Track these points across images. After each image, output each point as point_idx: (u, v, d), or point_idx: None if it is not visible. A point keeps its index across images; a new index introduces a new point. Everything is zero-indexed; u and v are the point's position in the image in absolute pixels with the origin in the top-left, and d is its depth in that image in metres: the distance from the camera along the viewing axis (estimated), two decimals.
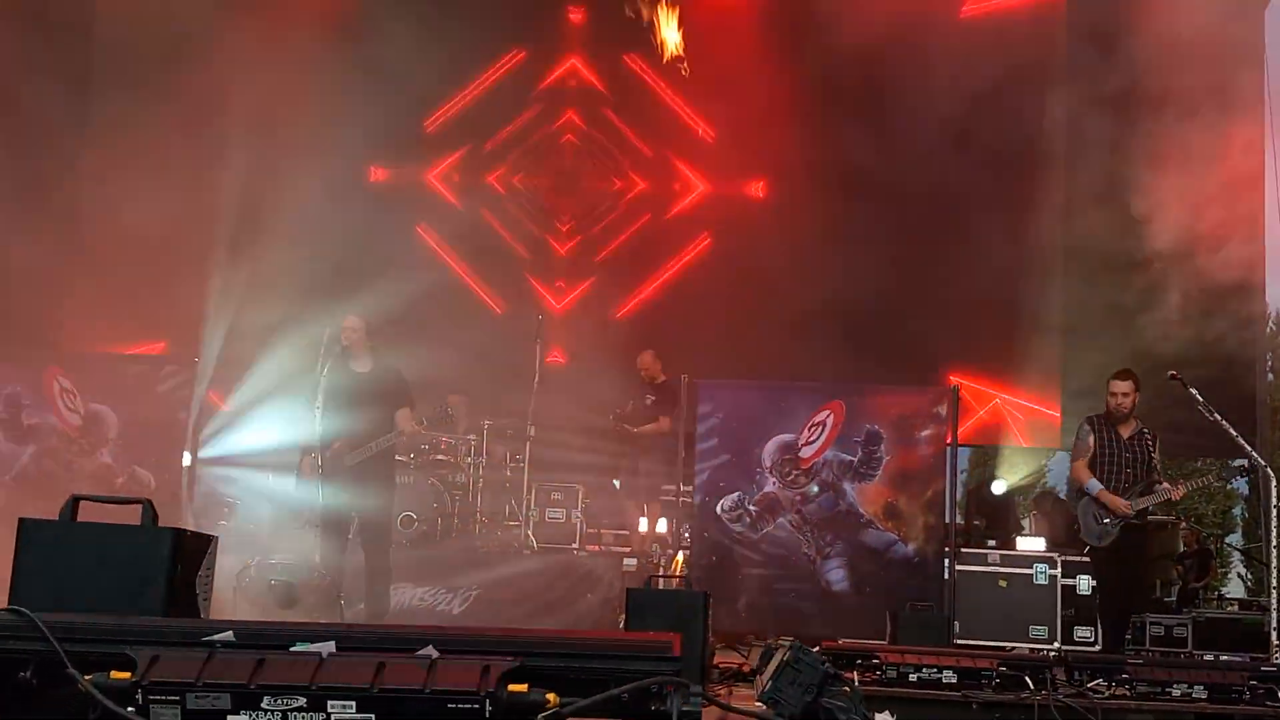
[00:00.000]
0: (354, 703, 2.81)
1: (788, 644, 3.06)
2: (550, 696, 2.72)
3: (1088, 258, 12.86)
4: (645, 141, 13.62)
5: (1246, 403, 12.14)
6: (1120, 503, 8.52)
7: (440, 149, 13.69)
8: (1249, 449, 7.92)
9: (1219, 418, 7.93)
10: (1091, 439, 8.76)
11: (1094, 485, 8.65)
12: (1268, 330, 16.66)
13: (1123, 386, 8.72)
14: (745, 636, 9.06)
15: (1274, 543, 8.34)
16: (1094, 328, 12.52)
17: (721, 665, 6.73)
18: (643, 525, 10.73)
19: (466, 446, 10.61)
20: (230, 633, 3.04)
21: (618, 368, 11.42)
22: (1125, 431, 8.72)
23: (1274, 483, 7.91)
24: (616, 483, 11.26)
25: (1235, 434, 7.86)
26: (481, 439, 10.70)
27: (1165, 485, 8.60)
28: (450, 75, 13.49)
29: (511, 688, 2.74)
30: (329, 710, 2.82)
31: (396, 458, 9.65)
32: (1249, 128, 12.94)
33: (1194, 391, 8.05)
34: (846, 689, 2.96)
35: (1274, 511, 8.18)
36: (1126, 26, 11.92)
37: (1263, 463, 7.91)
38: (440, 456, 10.41)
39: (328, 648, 2.95)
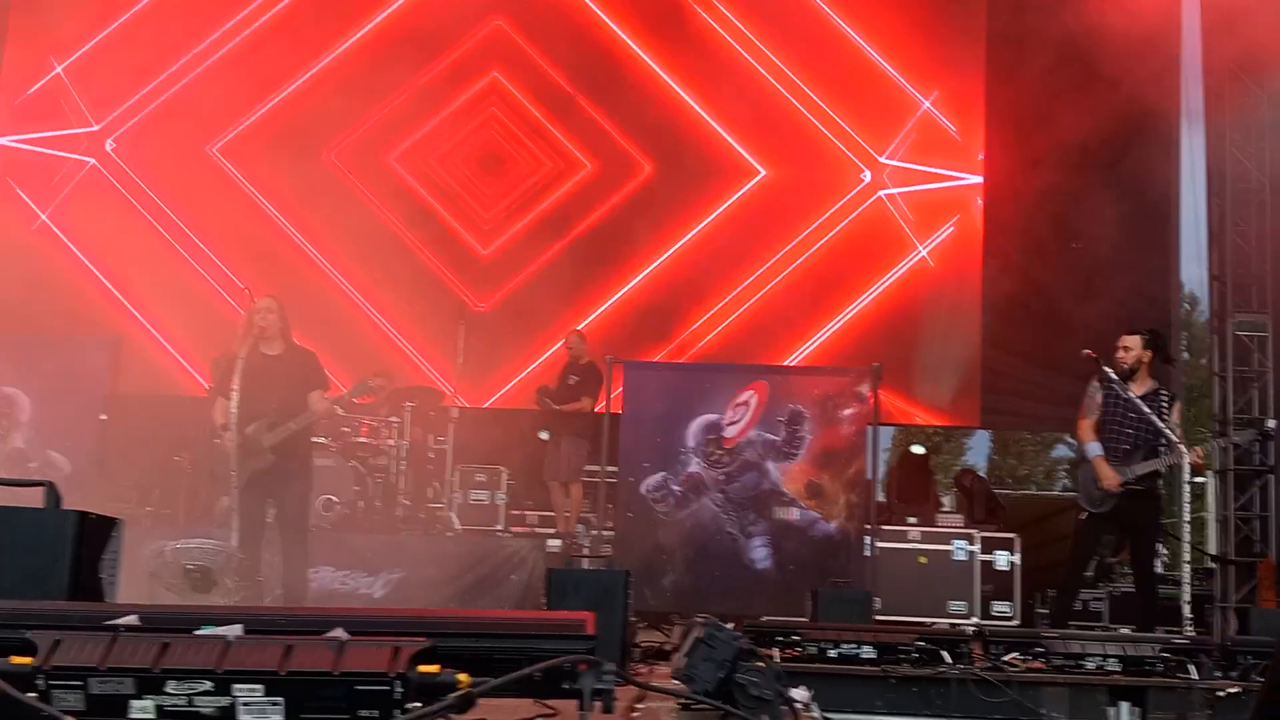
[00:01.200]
0: (261, 686, 2.76)
1: (703, 621, 3.06)
2: (462, 677, 2.69)
3: (1010, 241, 13.05)
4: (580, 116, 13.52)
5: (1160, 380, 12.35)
6: (1108, 475, 8.02)
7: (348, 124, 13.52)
8: (1162, 426, 7.99)
9: (1134, 397, 8.03)
10: (1100, 396, 8.24)
11: (1093, 448, 8.15)
12: (1182, 310, 16.94)
13: (1127, 340, 8.30)
14: (670, 616, 9.10)
15: (1186, 519, 8.48)
16: (1015, 311, 12.70)
17: (644, 644, 6.75)
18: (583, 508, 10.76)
19: (388, 428, 10.52)
20: (134, 616, 2.98)
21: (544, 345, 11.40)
22: (1137, 390, 8.18)
23: (1185, 459, 8.01)
24: (544, 434, 11.21)
25: (1149, 411, 7.96)
26: (404, 421, 10.61)
27: (1182, 449, 8.03)
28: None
29: (422, 669, 2.71)
30: (235, 694, 2.76)
31: (317, 440, 9.57)
32: (1166, 115, 13.19)
33: (1108, 370, 8.13)
34: (761, 664, 2.96)
35: (1186, 489, 8.31)
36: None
37: (1175, 440, 8.00)
38: (361, 439, 10.31)
39: (234, 631, 2.89)
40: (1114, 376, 8.19)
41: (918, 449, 12.97)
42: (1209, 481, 13.67)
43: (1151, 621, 8.19)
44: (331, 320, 11.26)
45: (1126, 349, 8.28)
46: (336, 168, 13.16)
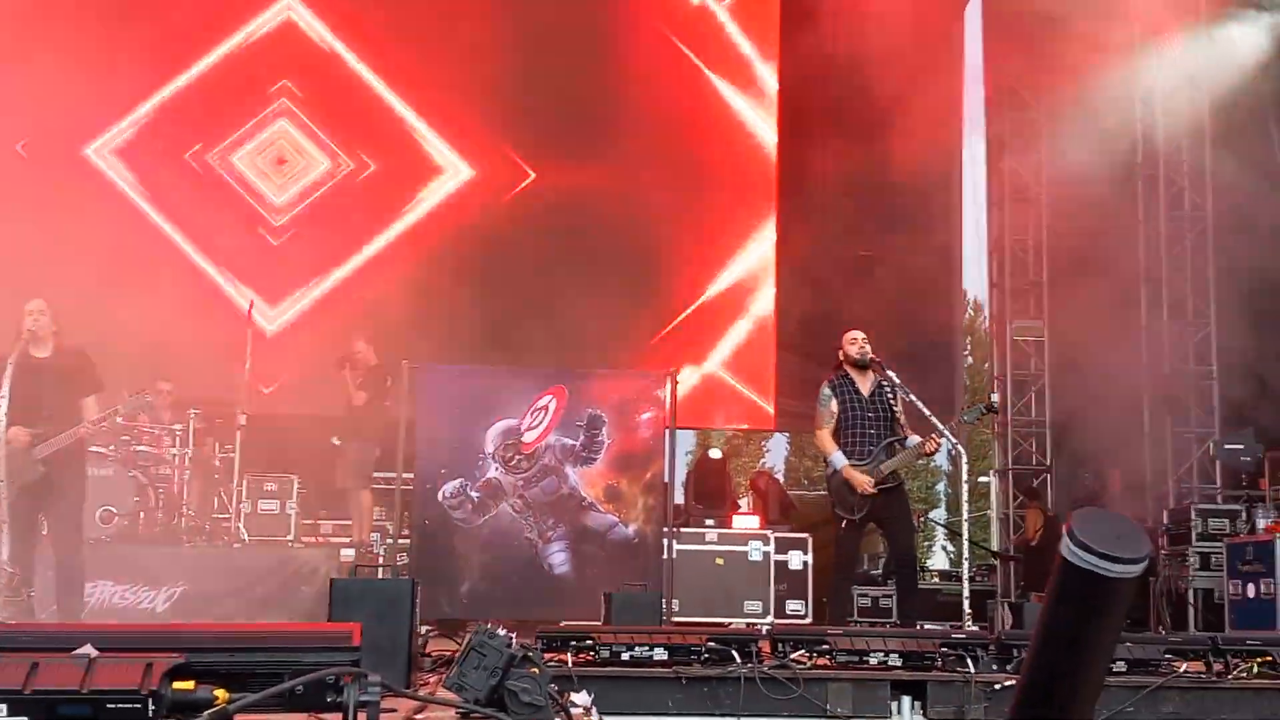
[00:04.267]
0: (4, 705, 2.61)
1: (476, 629, 3.01)
2: (219, 693, 2.59)
3: (802, 248, 13.36)
4: (361, 118, 13.28)
5: (945, 384, 12.84)
6: (861, 479, 8.15)
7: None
8: (943, 429, 8.25)
9: (914, 398, 8.27)
10: (834, 403, 8.37)
11: (839, 459, 8.26)
12: (966, 315, 17.64)
13: (860, 334, 8.47)
14: (467, 624, 8.99)
15: (965, 516, 8.80)
16: (808, 316, 12.98)
17: (435, 653, 6.63)
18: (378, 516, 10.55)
19: (171, 437, 10.13)
20: None
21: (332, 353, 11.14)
22: (865, 389, 8.40)
23: (964, 460, 8.30)
24: (335, 439, 10.95)
25: (929, 413, 8.21)
26: (188, 428, 10.23)
27: (914, 438, 8.26)
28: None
29: (177, 685, 2.60)
30: None
31: (95, 449, 9.16)
32: (949, 127, 13.70)
33: (891, 374, 8.35)
34: (535, 670, 2.92)
35: (965, 488, 8.62)
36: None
37: (954, 441, 8.28)
38: (142, 447, 9.91)
39: None
40: (848, 376, 8.44)
41: (715, 453, 13.13)
42: (990, 480, 14.26)
43: (913, 607, 8.45)
44: (112, 325, 10.76)
45: (864, 341, 8.47)
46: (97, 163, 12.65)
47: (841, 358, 8.55)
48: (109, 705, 2.60)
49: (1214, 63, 12.69)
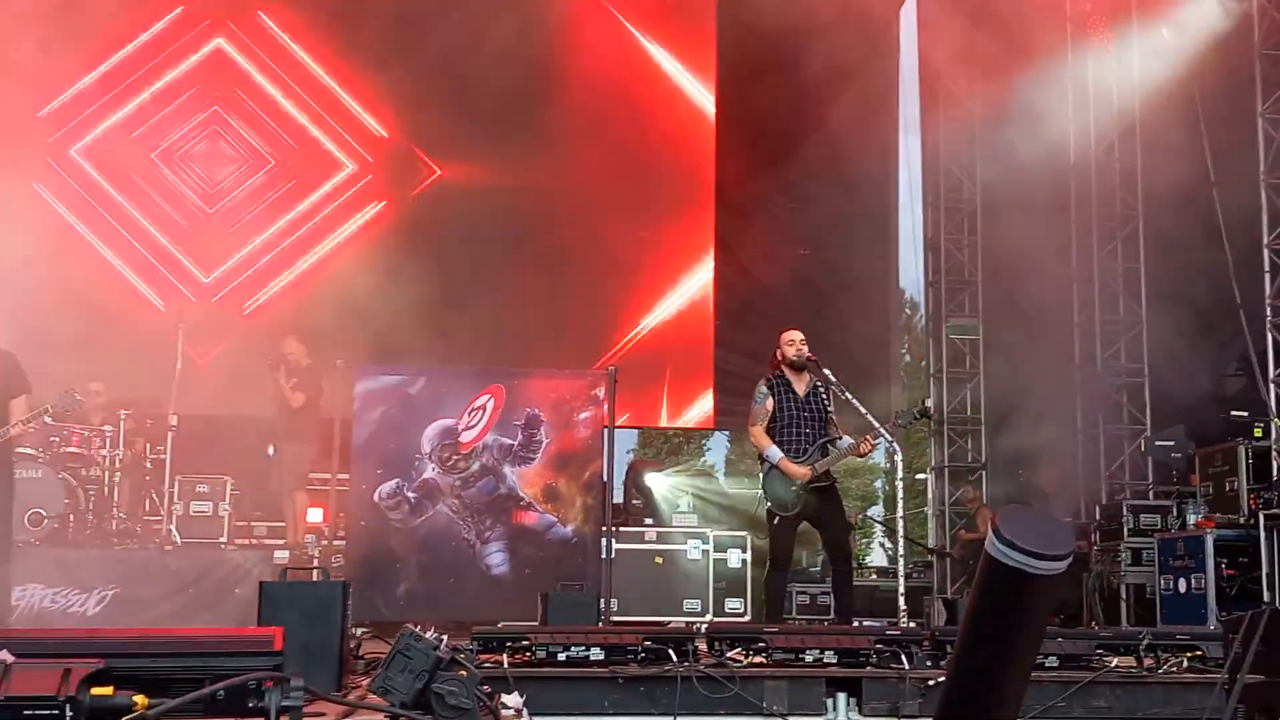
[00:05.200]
0: None
1: (402, 631, 2.98)
2: (138, 699, 2.55)
3: (739, 245, 13.41)
4: (295, 114, 13.15)
5: (882, 382, 12.94)
6: (798, 470, 8.19)
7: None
8: (879, 427, 8.27)
9: (850, 396, 8.30)
10: (770, 401, 8.41)
11: (774, 452, 8.28)
12: (902, 315, 17.80)
13: (797, 335, 8.49)
14: (403, 625, 8.91)
15: (901, 514, 8.85)
16: (745, 314, 13.04)
17: (368, 656, 6.58)
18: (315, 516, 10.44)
19: (101, 438, 9.98)
20: None
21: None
22: (800, 389, 8.46)
23: (900, 457, 8.35)
24: (271, 449, 10.84)
25: (865, 411, 8.23)
26: (118, 430, 10.08)
27: (847, 439, 8.32)
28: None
29: (95, 691, 2.55)
30: None
31: (22, 451, 9.02)
32: (884, 127, 13.81)
33: (827, 372, 8.37)
34: (463, 672, 2.90)
35: (900, 485, 8.67)
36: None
37: (889, 439, 8.32)
38: (72, 449, 9.75)
39: None
40: (784, 376, 8.48)
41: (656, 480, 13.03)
42: (927, 478, 14.37)
43: (851, 604, 8.50)
44: (42, 323, 10.59)
45: (802, 341, 8.51)
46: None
47: (779, 357, 8.57)
48: (25, 712, 2.54)
49: (1146, 60, 12.87)
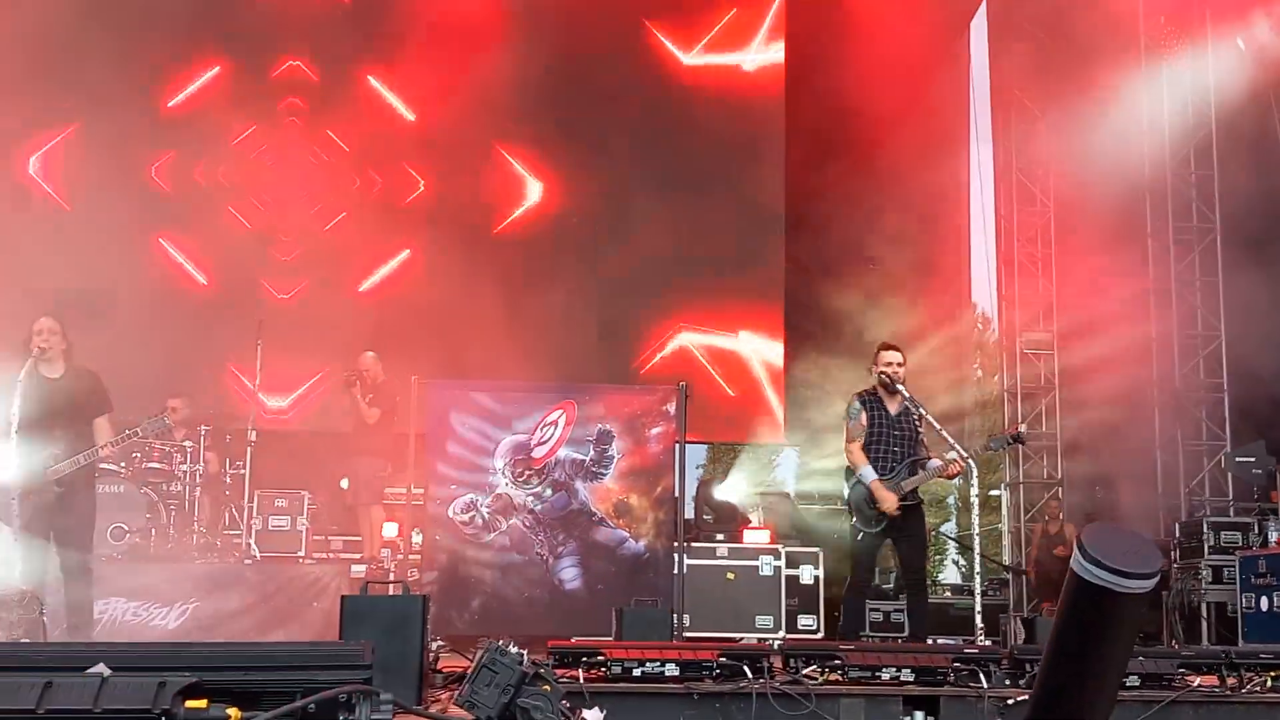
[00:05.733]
0: None
1: (487, 645, 3.01)
2: (231, 712, 2.59)
3: (809, 259, 13.38)
4: (366, 137, 13.29)
5: (955, 398, 12.82)
6: (889, 500, 8.14)
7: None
8: (953, 443, 8.23)
9: (924, 412, 8.25)
10: (864, 417, 8.33)
11: (868, 473, 8.20)
12: (975, 329, 17.65)
13: (895, 356, 8.44)
14: (478, 640, 8.96)
15: (976, 530, 8.76)
16: (814, 327, 13.00)
17: (446, 670, 6.63)
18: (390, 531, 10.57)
19: (182, 454, 10.15)
20: None
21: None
22: (893, 408, 8.41)
23: (974, 474, 8.26)
24: (344, 482, 10.98)
25: (939, 427, 8.19)
26: (199, 445, 10.26)
27: (936, 461, 8.30)
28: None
29: (189, 704, 2.60)
30: None
31: (106, 466, 9.19)
32: (955, 141, 13.72)
33: (900, 388, 8.33)
34: (547, 687, 2.92)
35: (975, 502, 8.57)
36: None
37: (964, 453, 8.25)
38: (154, 464, 9.92)
39: None
40: (876, 393, 8.43)
41: (725, 490, 13.04)
42: (1002, 495, 14.21)
43: (924, 624, 8.44)
44: (123, 343, 10.81)
45: (899, 364, 8.45)
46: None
47: (875, 374, 8.52)
48: None
49: (1220, 70, 12.69)
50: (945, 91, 13.53)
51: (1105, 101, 12.58)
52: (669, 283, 13.17)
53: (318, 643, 4.48)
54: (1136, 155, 13.26)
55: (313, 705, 2.61)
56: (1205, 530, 11.03)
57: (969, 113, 13.79)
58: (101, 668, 2.69)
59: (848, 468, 8.54)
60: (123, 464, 9.75)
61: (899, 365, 8.44)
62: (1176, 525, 11.96)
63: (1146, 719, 6.10)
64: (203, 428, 10.39)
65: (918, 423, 8.41)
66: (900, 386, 8.36)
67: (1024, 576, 12.86)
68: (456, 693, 3.15)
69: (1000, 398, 14.29)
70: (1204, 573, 10.80)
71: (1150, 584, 2.93)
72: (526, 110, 13.08)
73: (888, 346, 8.61)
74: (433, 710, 3.93)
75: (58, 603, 7.89)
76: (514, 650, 2.95)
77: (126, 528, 9.49)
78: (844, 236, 13.22)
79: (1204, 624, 10.69)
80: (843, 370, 12.26)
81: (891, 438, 8.37)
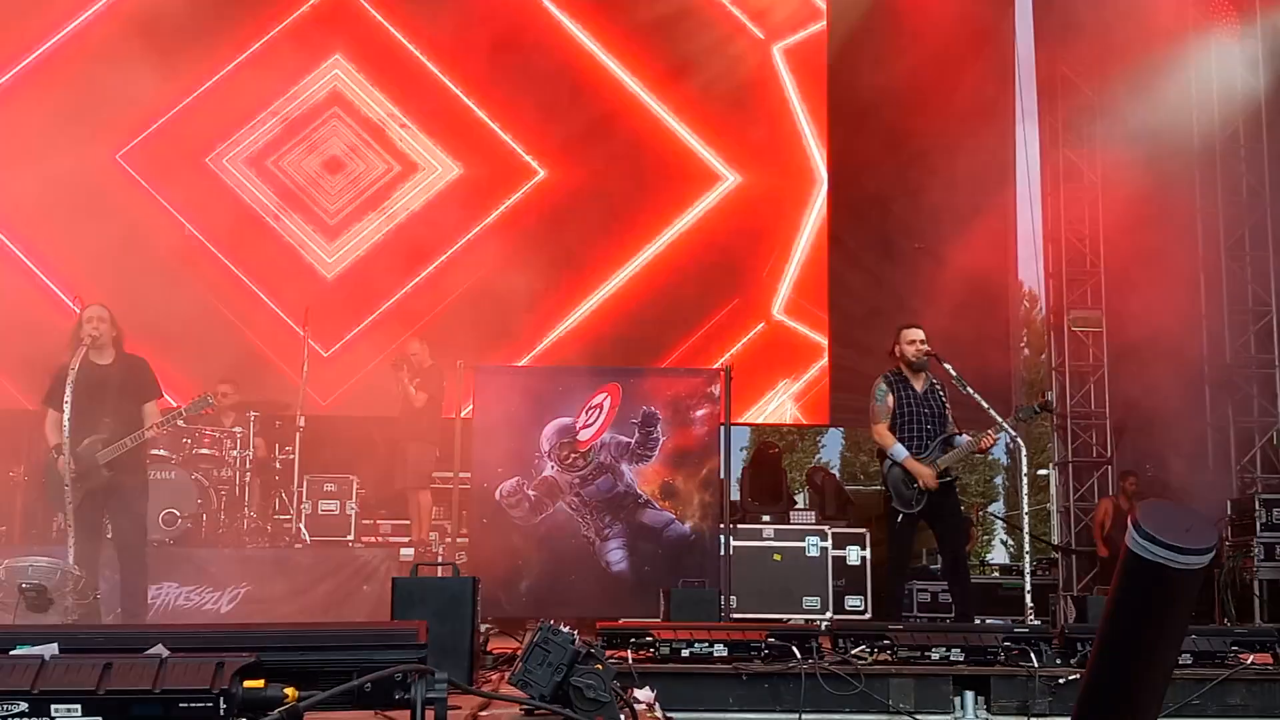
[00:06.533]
0: (79, 706, 2.67)
1: (540, 625, 3.03)
2: (289, 691, 2.62)
3: (854, 241, 13.31)
4: (419, 118, 13.32)
5: (1001, 377, 12.71)
6: (926, 471, 8.21)
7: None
8: (1001, 421, 8.20)
9: (972, 391, 8.22)
10: (890, 399, 8.40)
11: (899, 451, 8.27)
12: (1021, 308, 17.49)
13: (917, 334, 8.48)
14: (526, 622, 9.02)
15: (1025, 510, 8.72)
16: (857, 306, 12.94)
17: (496, 651, 6.68)
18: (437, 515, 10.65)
19: (232, 440, 10.26)
20: None
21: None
22: (919, 386, 8.47)
23: (1024, 453, 8.23)
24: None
25: (987, 406, 8.16)
26: (248, 430, 10.36)
27: (966, 436, 8.34)
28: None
29: (247, 684, 2.64)
30: (53, 714, 2.67)
31: (157, 453, 9.30)
32: (1001, 117, 13.57)
33: (948, 366, 8.31)
34: (599, 666, 2.94)
35: (1024, 479, 8.55)
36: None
37: (1012, 433, 8.22)
38: (204, 450, 10.03)
39: (50, 650, 2.79)
40: (902, 373, 8.47)
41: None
42: (1050, 474, 14.10)
43: (969, 604, 8.42)
44: (170, 329, 10.92)
45: (922, 340, 8.49)
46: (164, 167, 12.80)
47: (897, 354, 8.52)
48: (181, 705, 2.64)
49: (1270, 43, 12.51)
50: (990, 67, 13.38)
51: (1153, 75, 12.42)
52: (720, 262, 13.14)
53: (373, 623, 4.52)
54: (1185, 129, 13.09)
55: (369, 684, 2.64)
56: (1257, 507, 10.94)
57: (1014, 88, 13.63)
58: (160, 648, 2.73)
59: (878, 451, 8.59)
60: (174, 451, 9.86)
61: (922, 343, 8.46)
62: (1228, 502, 11.84)
63: (1199, 696, 6.06)
64: (252, 413, 10.48)
65: (944, 399, 8.44)
66: (925, 361, 8.39)
67: (1073, 555, 12.78)
68: (510, 672, 3.18)
69: (1048, 376, 14.16)
70: (1256, 550, 10.70)
71: (1205, 560, 2.90)
72: (578, 93, 13.07)
73: (909, 325, 8.65)
74: (485, 689, 3.96)
75: (112, 588, 8.03)
76: (566, 630, 2.96)
77: (178, 513, 9.58)
78: (888, 216, 13.14)
79: (1256, 601, 10.59)
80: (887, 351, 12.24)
81: (921, 415, 8.40)
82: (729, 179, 13.27)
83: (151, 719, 2.65)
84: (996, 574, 13.35)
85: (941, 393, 8.46)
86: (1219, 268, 13.27)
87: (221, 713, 2.61)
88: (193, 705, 2.63)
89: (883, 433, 8.41)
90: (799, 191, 13.39)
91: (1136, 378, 12.64)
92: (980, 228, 13.03)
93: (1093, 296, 13.64)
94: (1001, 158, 13.43)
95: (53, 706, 2.67)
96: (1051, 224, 13.89)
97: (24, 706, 2.66)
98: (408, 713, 2.71)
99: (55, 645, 2.80)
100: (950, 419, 8.48)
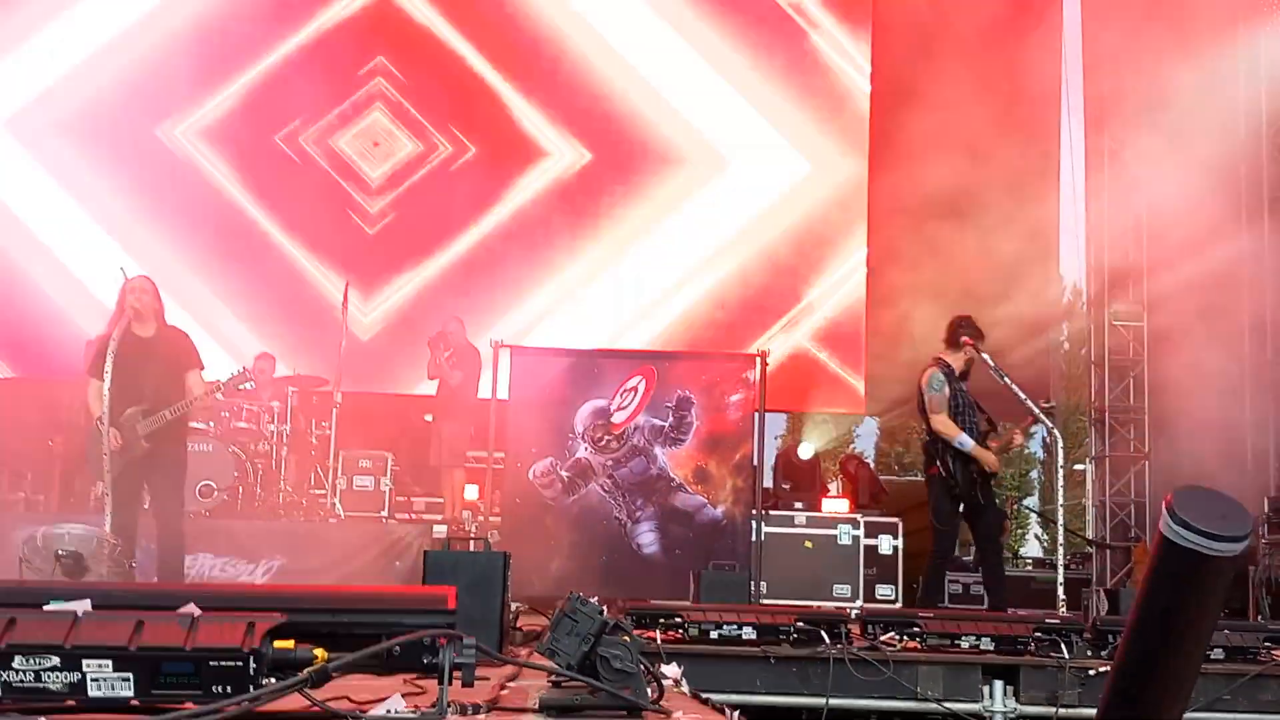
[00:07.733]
0: (110, 661, 2.70)
1: (569, 596, 3.05)
2: (318, 652, 2.65)
3: (896, 235, 13.26)
4: (455, 99, 13.36)
5: (1041, 370, 12.63)
6: (993, 460, 8.25)
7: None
8: (1038, 413, 8.14)
9: (1009, 381, 8.17)
10: (947, 389, 8.38)
11: (966, 440, 8.22)
12: (1063, 301, 17.37)
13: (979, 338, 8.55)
14: (556, 602, 9.04)
15: (1060, 503, 8.67)
16: (894, 298, 12.88)
17: (526, 628, 6.71)
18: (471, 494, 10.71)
19: (269, 413, 10.34)
20: None
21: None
22: (962, 380, 8.51)
23: (1060, 445, 8.19)
24: (428, 416, 11.12)
25: (1024, 397, 8.11)
26: (286, 405, 10.43)
27: (1008, 427, 8.43)
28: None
29: (277, 644, 2.66)
30: (84, 669, 2.70)
31: (195, 426, 9.38)
32: (1047, 109, 13.46)
33: (985, 357, 8.26)
34: (626, 637, 2.95)
35: (1060, 473, 8.49)
36: None
37: (1050, 425, 8.17)
38: (241, 424, 10.12)
39: (83, 606, 2.82)
40: (948, 364, 8.45)
41: (806, 451, 13.01)
42: (1087, 468, 13.99)
43: (1002, 596, 8.39)
44: (210, 304, 11.04)
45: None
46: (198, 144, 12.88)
47: (964, 343, 8.47)
48: (211, 663, 2.67)
49: None
50: (1036, 57, 13.26)
51: (1201, 66, 12.26)
52: (761, 254, 13.15)
53: (402, 589, 4.55)
54: (1232, 121, 12.93)
55: (398, 648, 2.66)
56: None
57: (1060, 80, 13.51)
58: (191, 607, 2.76)
59: (931, 441, 8.50)
60: (211, 423, 9.95)
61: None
62: (1265, 500, 11.71)
63: (1231, 691, 6.02)
64: (290, 388, 10.56)
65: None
66: (966, 362, 8.46)
67: (1108, 550, 12.69)
68: (538, 642, 3.20)
69: (1087, 371, 14.04)
70: None
71: (1240, 547, 2.88)
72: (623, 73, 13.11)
73: (978, 328, 8.61)
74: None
75: (148, 557, 8.10)
76: (594, 601, 2.98)
77: (215, 485, 9.67)
78: (930, 208, 13.05)
79: None
80: (925, 343, 12.18)
81: (969, 408, 8.40)
82: (774, 168, 13.24)
83: (182, 676, 2.67)
84: (1030, 567, 13.26)
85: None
86: (1262, 259, 13.07)
87: (251, 671, 2.64)
88: (223, 663, 2.66)
89: (946, 422, 8.31)
90: (838, 179, 13.35)
91: (1176, 374, 12.50)
92: (1021, 223, 12.93)
93: (1134, 291, 13.50)
94: (1046, 148, 13.31)
95: (84, 661, 2.70)
96: (1095, 218, 13.75)
97: (56, 661, 2.70)
98: (434, 678, 2.73)
99: (88, 601, 2.83)
100: (985, 413, 8.50)
